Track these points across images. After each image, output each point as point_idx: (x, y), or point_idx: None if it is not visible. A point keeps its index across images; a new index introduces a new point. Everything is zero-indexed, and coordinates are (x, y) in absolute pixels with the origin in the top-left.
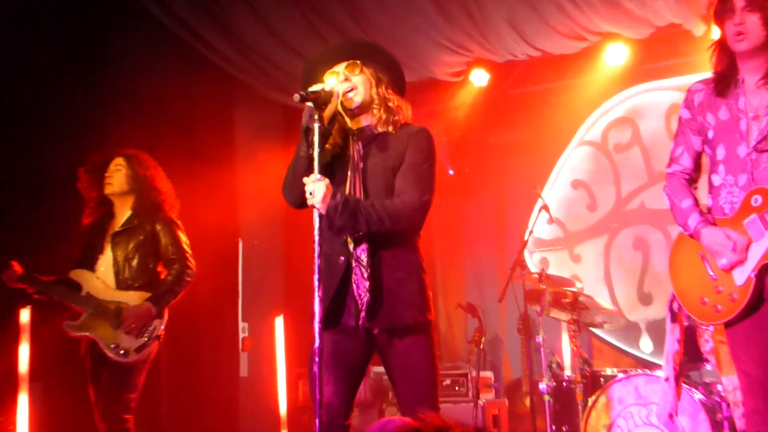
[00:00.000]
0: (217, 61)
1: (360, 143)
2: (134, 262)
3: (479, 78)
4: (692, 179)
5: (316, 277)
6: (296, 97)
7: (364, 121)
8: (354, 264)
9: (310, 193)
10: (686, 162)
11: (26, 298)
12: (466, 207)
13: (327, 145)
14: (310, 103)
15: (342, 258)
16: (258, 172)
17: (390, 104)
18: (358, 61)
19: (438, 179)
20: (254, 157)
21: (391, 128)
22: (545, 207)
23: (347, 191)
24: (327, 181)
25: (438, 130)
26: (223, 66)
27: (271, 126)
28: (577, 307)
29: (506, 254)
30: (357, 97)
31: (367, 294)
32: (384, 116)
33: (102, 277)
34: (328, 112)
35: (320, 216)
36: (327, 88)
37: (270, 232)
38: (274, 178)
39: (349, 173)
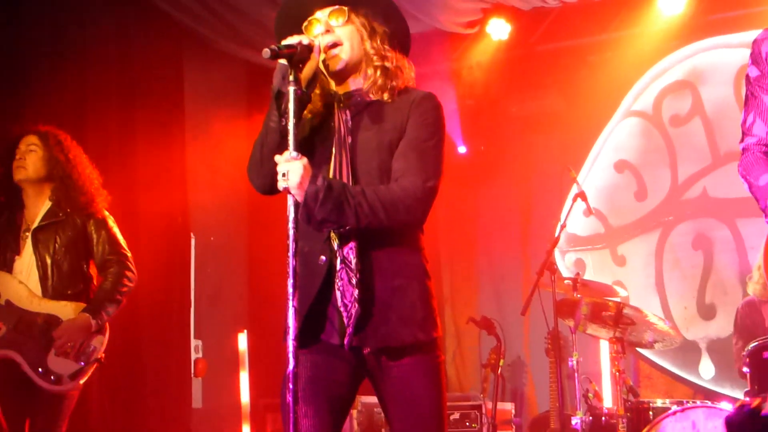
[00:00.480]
0: (164, 6)
1: (348, 112)
2: (65, 265)
3: (499, 30)
4: None
5: (290, 282)
6: (266, 52)
7: (353, 84)
8: (339, 266)
9: (283, 175)
10: (761, 131)
11: None
12: (480, 195)
13: (305, 113)
14: (283, 61)
15: (323, 258)
16: (214, 149)
17: (387, 64)
18: (345, 7)
19: (446, 160)
20: (209, 130)
21: (387, 95)
22: (582, 195)
23: (331, 174)
24: (305, 160)
25: (447, 97)
26: (171, 12)
27: (231, 90)
28: (621, 322)
29: (531, 255)
30: (342, 54)
31: (356, 305)
32: (379, 80)
33: (24, 282)
34: (306, 72)
35: (296, 204)
36: (305, 41)
37: (230, 225)
38: (235, 156)
39: (333, 150)
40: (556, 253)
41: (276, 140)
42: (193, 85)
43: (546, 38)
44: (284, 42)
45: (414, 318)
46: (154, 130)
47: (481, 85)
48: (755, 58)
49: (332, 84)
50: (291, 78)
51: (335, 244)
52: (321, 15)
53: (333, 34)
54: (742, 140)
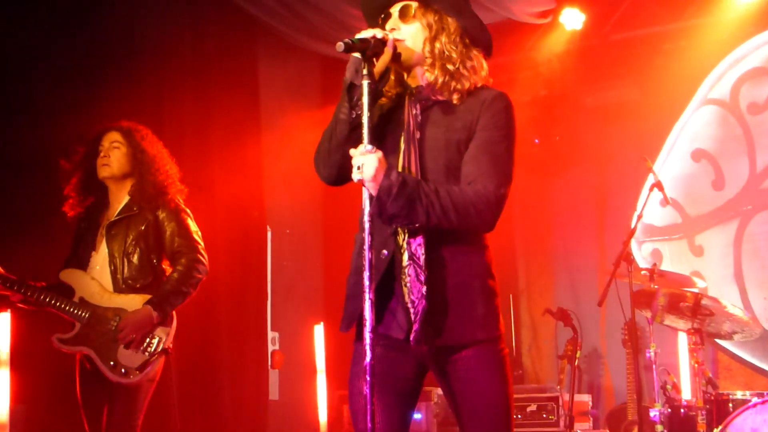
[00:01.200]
0: (238, 1)
1: (418, 106)
2: (134, 258)
3: (572, 19)
4: None
5: (366, 274)
6: (340, 45)
7: (423, 79)
8: (407, 262)
9: (359, 168)
10: None
11: (4, 302)
12: (555, 186)
13: (381, 101)
14: (357, 54)
15: (385, 252)
16: (289, 143)
17: (449, 67)
18: (413, 4)
19: (520, 151)
20: (284, 124)
21: (456, 97)
22: (658, 185)
23: (400, 167)
24: (380, 153)
25: (519, 88)
26: (245, 6)
27: (305, 83)
28: (699, 313)
29: (607, 246)
30: (403, 51)
31: (423, 301)
32: (445, 82)
33: (97, 278)
34: (380, 66)
35: (370, 198)
36: (379, 35)
37: (305, 218)
38: (310, 150)
39: (402, 144)
40: (633, 243)
41: (345, 132)
42: (267, 80)
43: (620, 27)
44: (358, 36)
45: (474, 317)
46: (229, 124)
47: (555, 75)
48: None
49: (405, 75)
50: (365, 72)
51: (401, 239)
52: (394, 10)
53: (399, 31)
54: None
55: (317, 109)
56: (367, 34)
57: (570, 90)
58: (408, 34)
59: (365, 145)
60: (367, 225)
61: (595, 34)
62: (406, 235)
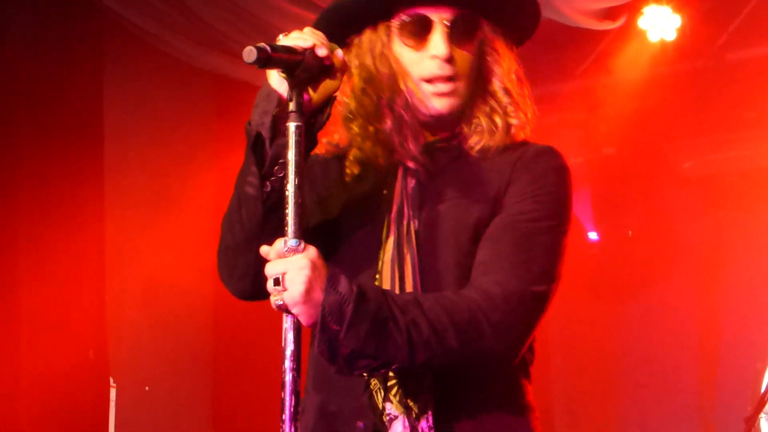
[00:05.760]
0: None
1: (415, 175)
2: None
3: (660, 24)
4: None
5: None
6: (249, 54)
7: (441, 129)
8: None
9: (276, 283)
10: None
11: None
12: (627, 311)
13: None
14: (277, 73)
15: (360, 425)
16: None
17: (510, 109)
18: (463, 11)
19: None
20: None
21: (477, 149)
22: None
23: (386, 282)
24: (312, 252)
25: (572, 144)
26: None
27: (182, 115)
28: None
29: (716, 422)
30: (455, 97)
31: None
32: (495, 128)
33: None
34: (320, 95)
35: (294, 328)
36: (320, 49)
37: (183, 354)
38: (201, 234)
39: (390, 242)
40: (762, 419)
41: (257, 215)
42: (114, 112)
43: (742, 39)
44: (282, 39)
45: None
46: (53, 191)
47: (631, 119)
48: None
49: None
50: (292, 106)
51: (378, 399)
52: (436, 18)
53: (449, 65)
54: None
55: (211, 160)
56: (299, 40)
57: (656, 146)
58: (464, 65)
59: (288, 240)
60: (289, 377)
61: (701, 50)
62: (385, 392)
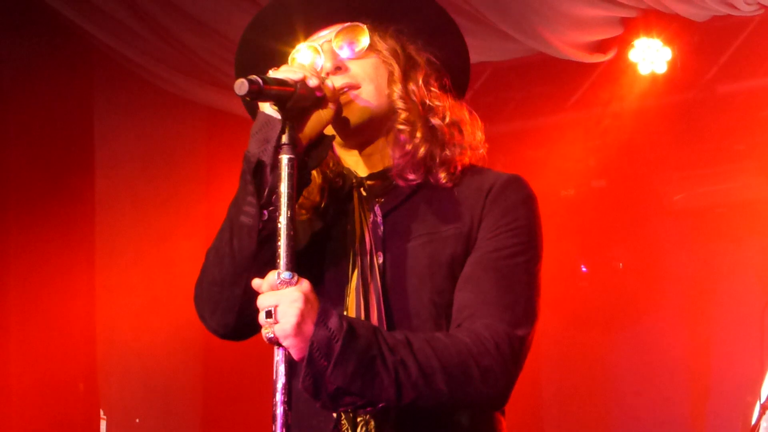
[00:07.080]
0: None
1: (377, 208)
2: None
3: (651, 57)
4: None
5: None
6: (241, 87)
7: (379, 156)
8: None
9: (269, 315)
10: None
11: None
12: (618, 343)
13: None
14: (269, 107)
15: None
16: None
17: (435, 122)
18: (364, 26)
19: (559, 288)
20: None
21: (443, 176)
22: None
23: (348, 314)
24: (306, 285)
25: (560, 171)
26: (85, 27)
27: (172, 151)
28: None
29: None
30: (361, 103)
31: None
32: (422, 150)
33: None
34: (311, 128)
35: (287, 362)
36: (311, 79)
37: (174, 395)
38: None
39: (352, 276)
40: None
41: (250, 247)
42: (105, 152)
43: (733, 72)
44: (275, 72)
45: None
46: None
47: (622, 152)
48: None
49: (346, 158)
50: (285, 138)
51: None
52: (327, 33)
53: (345, 72)
54: None
55: (200, 194)
56: (290, 73)
57: (647, 179)
58: (364, 73)
59: (281, 272)
60: (279, 410)
61: (691, 83)
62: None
